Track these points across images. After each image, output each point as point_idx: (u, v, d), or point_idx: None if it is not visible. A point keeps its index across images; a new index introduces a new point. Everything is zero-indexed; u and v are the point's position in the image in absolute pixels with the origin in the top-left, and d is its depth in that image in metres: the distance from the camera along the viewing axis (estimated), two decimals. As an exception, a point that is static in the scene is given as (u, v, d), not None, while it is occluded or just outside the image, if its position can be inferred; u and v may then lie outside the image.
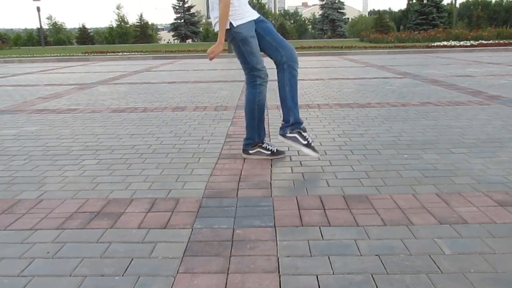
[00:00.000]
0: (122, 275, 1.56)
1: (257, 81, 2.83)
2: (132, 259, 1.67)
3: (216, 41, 2.75)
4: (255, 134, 2.91)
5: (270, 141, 3.20)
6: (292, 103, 2.82)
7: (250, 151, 2.93)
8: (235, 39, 2.76)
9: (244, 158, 2.94)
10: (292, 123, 2.83)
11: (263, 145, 2.93)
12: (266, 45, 2.81)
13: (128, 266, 1.61)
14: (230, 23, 2.71)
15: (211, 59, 2.83)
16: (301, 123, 2.85)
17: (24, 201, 2.27)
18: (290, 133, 2.85)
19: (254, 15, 2.80)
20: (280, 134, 2.92)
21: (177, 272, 1.57)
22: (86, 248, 1.75)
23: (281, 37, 2.85)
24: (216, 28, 2.77)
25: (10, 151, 3.30)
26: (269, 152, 2.92)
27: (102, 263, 1.64)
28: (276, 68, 2.84)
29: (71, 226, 1.96)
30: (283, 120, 2.90)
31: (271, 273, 1.54)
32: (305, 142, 2.81)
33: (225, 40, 2.79)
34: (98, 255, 1.70)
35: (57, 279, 1.54)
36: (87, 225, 1.97)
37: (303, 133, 2.83)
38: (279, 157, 2.92)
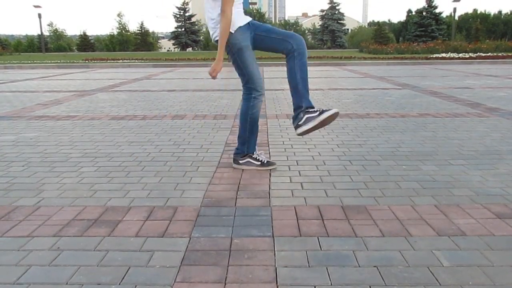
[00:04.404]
0: (119, 284, 1.55)
1: (252, 93, 2.83)
2: (129, 267, 1.66)
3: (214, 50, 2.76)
4: (244, 146, 2.93)
5: (269, 150, 3.20)
6: (304, 90, 2.73)
7: (240, 161, 2.94)
8: (231, 51, 2.75)
9: (243, 168, 2.94)
10: (305, 108, 2.72)
11: (253, 156, 2.94)
12: (274, 41, 2.75)
13: (125, 275, 1.60)
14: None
15: (214, 78, 2.81)
16: (313, 106, 2.74)
17: (21, 208, 2.26)
18: (303, 120, 2.72)
19: (247, 18, 2.75)
20: (295, 126, 2.78)
21: (175, 281, 1.56)
22: (83, 256, 1.74)
23: (286, 30, 2.79)
24: (216, 38, 2.75)
25: (8, 157, 3.30)
26: (259, 163, 2.92)
27: (99, 271, 1.63)
28: (286, 58, 2.76)
29: (68, 234, 1.95)
30: (294, 108, 2.78)
31: (269, 283, 1.54)
32: (319, 117, 2.68)
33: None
34: (95, 263, 1.69)
35: (53, 287, 1.53)
36: (85, 232, 1.96)
37: (310, 111, 2.71)
38: (269, 168, 2.91)
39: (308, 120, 2.70)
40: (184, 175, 2.81)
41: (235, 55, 2.76)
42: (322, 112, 2.68)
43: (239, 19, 2.71)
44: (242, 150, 2.95)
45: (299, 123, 2.73)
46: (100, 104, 6.29)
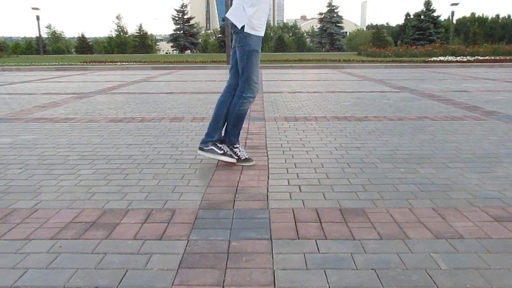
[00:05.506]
0: (117, 287, 1.54)
1: (244, 93, 3.00)
2: (127, 270, 1.65)
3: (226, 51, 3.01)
4: (215, 134, 3.09)
5: (267, 152, 3.20)
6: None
7: (205, 148, 3.09)
8: (244, 48, 2.89)
9: (241, 168, 2.94)
10: (216, 140, 3.09)
11: (234, 148, 3.08)
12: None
13: (122, 278, 1.60)
14: (243, 27, 2.84)
15: None
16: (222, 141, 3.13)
17: (19, 211, 2.25)
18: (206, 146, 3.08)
19: (263, 32, 2.97)
20: (199, 147, 3.12)
21: (172, 284, 1.55)
22: (81, 259, 1.74)
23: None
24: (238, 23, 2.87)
25: (6, 159, 3.29)
26: (236, 157, 3.06)
27: (96, 274, 1.63)
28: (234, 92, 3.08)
29: (66, 236, 1.94)
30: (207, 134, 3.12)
31: (267, 286, 1.54)
32: (221, 152, 3.06)
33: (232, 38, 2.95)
34: (93, 266, 1.69)
35: (50, 289, 1.53)
36: (82, 235, 1.96)
37: (218, 145, 3.08)
38: (245, 164, 3.05)
39: (211, 151, 3.07)
40: (182, 177, 2.81)
41: (245, 54, 2.90)
42: (225, 154, 3.05)
43: (263, 27, 2.93)
44: (212, 137, 3.08)
45: (204, 148, 3.08)
46: (98, 106, 6.28)
